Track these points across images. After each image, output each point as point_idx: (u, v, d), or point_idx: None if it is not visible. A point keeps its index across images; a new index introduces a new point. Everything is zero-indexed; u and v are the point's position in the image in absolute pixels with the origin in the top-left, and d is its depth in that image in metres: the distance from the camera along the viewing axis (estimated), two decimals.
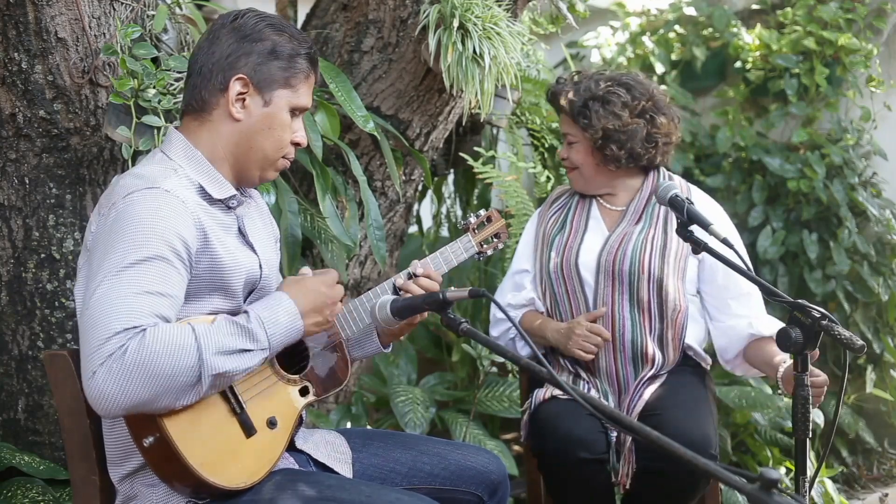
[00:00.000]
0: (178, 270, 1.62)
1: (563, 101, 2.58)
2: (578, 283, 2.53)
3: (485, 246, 2.24)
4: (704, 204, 2.65)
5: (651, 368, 2.50)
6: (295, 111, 1.82)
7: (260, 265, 1.82)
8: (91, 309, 1.53)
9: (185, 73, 1.83)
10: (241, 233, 1.81)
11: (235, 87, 1.75)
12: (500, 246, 2.28)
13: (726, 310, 2.55)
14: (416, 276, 2.03)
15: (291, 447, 1.89)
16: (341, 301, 1.84)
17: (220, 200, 1.77)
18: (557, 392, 2.46)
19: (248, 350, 1.62)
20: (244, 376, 1.69)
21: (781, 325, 2.42)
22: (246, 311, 1.68)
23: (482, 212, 2.29)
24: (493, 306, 2.78)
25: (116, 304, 1.52)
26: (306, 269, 1.89)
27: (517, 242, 2.82)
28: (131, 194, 1.64)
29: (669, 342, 2.50)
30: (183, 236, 1.64)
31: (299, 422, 1.87)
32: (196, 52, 1.80)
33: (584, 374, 2.53)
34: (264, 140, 1.78)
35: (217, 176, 1.77)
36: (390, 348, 2.11)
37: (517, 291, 2.66)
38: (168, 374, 1.52)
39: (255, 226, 1.88)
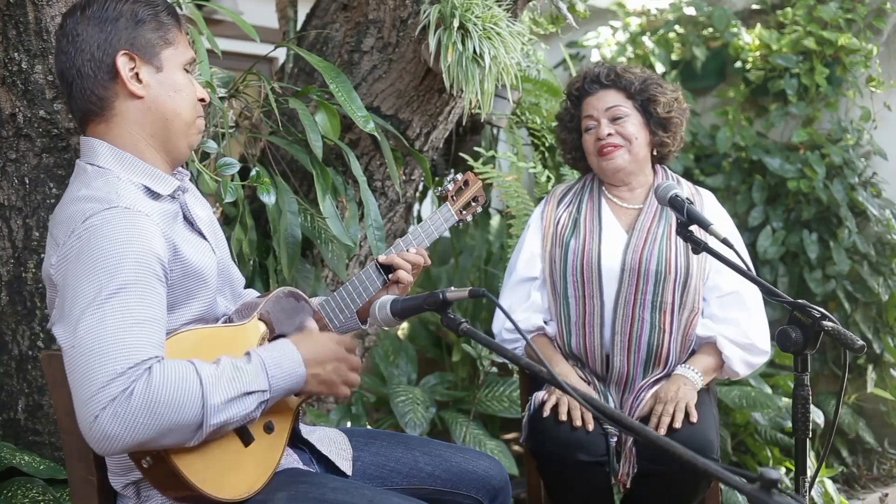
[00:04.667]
0: (157, 290, 1.57)
1: (618, 76, 2.55)
2: (598, 285, 2.47)
3: (464, 212, 2.22)
4: (712, 206, 2.64)
5: (662, 370, 2.49)
6: (186, 68, 1.76)
7: (212, 250, 1.79)
8: (80, 349, 1.48)
9: (63, 85, 1.73)
10: (188, 220, 1.77)
11: (124, 63, 1.68)
12: (479, 210, 2.26)
13: (707, 307, 2.53)
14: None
15: (295, 441, 1.88)
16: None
17: (166, 196, 1.72)
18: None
19: (251, 392, 1.58)
20: None
21: (721, 338, 2.45)
22: (248, 353, 1.64)
23: (459, 176, 2.25)
24: (497, 319, 2.66)
25: (109, 341, 1.47)
26: (312, 325, 1.87)
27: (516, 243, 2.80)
28: (90, 219, 1.56)
29: (681, 343, 2.48)
30: (157, 253, 1.59)
31: (296, 418, 1.86)
32: (62, 58, 1.70)
33: (587, 377, 2.53)
34: (176, 104, 1.72)
35: (155, 171, 1.72)
36: (368, 324, 2.08)
37: (526, 305, 2.57)
38: (174, 417, 1.48)
39: (196, 209, 1.83)
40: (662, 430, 2.30)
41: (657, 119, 2.54)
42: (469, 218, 2.23)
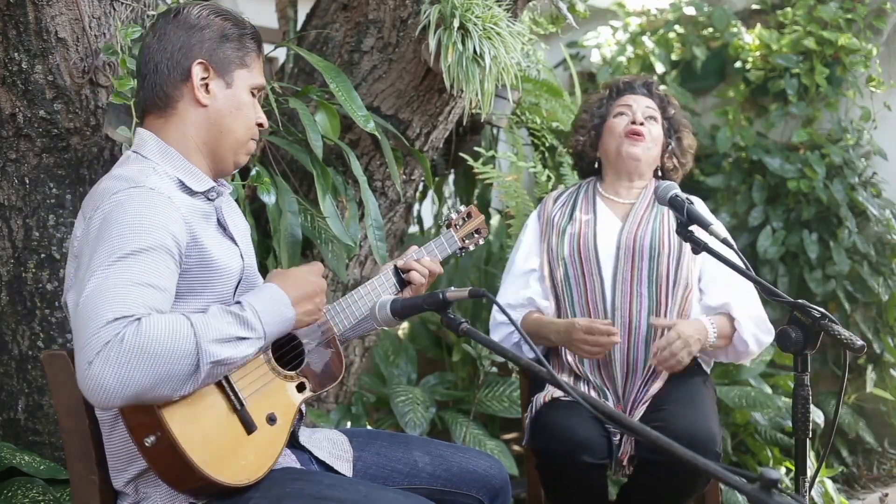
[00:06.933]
0: (167, 265, 1.60)
1: (665, 95, 2.81)
2: (596, 264, 2.55)
3: (466, 241, 2.31)
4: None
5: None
6: (253, 91, 1.83)
7: (241, 256, 1.82)
8: (83, 304, 1.51)
9: (139, 76, 1.81)
10: (221, 224, 1.81)
11: (198, 72, 1.76)
12: (481, 241, 2.35)
13: (708, 293, 2.59)
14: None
15: (294, 444, 1.89)
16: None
17: (200, 193, 1.77)
18: (559, 394, 2.46)
19: (245, 338, 1.61)
20: (242, 372, 1.70)
21: (734, 304, 2.53)
22: (238, 302, 1.67)
23: (462, 208, 2.36)
24: (493, 309, 2.78)
25: (108, 294, 1.50)
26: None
27: (512, 245, 2.85)
28: (116, 194, 1.63)
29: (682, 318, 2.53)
30: (172, 232, 1.63)
31: (299, 417, 1.87)
32: (145, 51, 1.78)
33: (586, 375, 2.53)
34: (233, 122, 1.80)
35: (194, 169, 1.78)
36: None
37: (521, 284, 2.67)
38: (166, 361, 1.49)
39: (232, 217, 1.88)
40: (655, 364, 2.41)
41: (677, 146, 2.77)
42: (471, 247, 2.33)
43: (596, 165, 2.79)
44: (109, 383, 1.46)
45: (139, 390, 1.49)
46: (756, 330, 2.53)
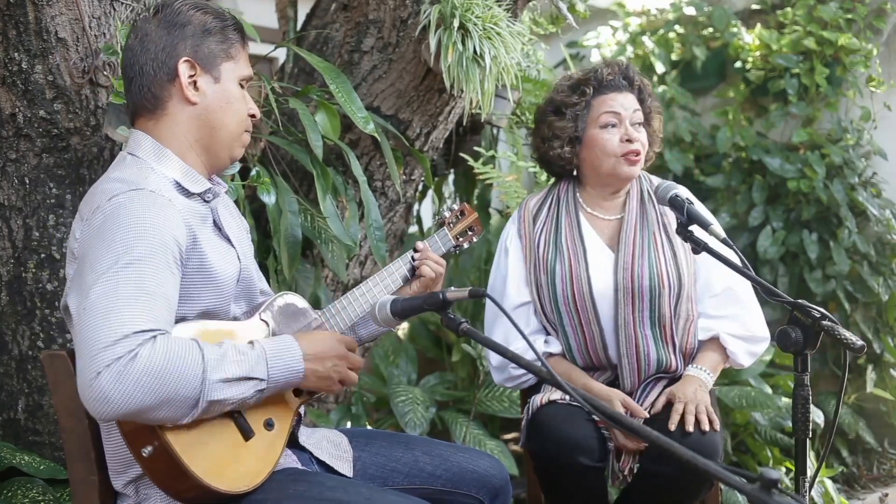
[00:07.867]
0: (171, 271, 1.60)
1: (643, 83, 2.52)
2: (593, 311, 2.41)
3: (461, 239, 2.30)
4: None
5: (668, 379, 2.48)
6: (242, 83, 1.82)
7: (238, 257, 1.82)
8: (91, 310, 1.50)
9: (125, 79, 1.79)
10: (217, 225, 1.81)
11: (184, 70, 1.74)
12: (475, 239, 2.34)
13: (700, 305, 2.50)
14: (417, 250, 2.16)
15: (295, 444, 1.89)
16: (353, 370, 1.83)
17: (196, 194, 1.77)
18: (555, 396, 2.44)
19: (248, 379, 1.61)
20: None
21: (724, 334, 2.43)
22: (251, 342, 1.66)
23: (455, 206, 2.34)
24: (494, 357, 2.54)
25: (119, 305, 1.50)
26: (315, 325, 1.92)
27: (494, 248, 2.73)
28: (116, 197, 1.61)
29: (685, 350, 2.47)
30: (175, 236, 1.63)
31: (298, 419, 1.87)
32: (128, 54, 1.77)
33: None
34: (225, 116, 1.78)
35: (189, 170, 1.77)
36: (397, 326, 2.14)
37: (527, 333, 2.48)
38: (172, 387, 1.49)
39: (227, 218, 1.87)
40: (690, 428, 2.25)
41: (651, 133, 2.54)
42: (465, 245, 2.31)
43: (574, 172, 2.57)
44: (113, 397, 1.46)
45: (140, 408, 1.48)
46: (748, 347, 2.46)
